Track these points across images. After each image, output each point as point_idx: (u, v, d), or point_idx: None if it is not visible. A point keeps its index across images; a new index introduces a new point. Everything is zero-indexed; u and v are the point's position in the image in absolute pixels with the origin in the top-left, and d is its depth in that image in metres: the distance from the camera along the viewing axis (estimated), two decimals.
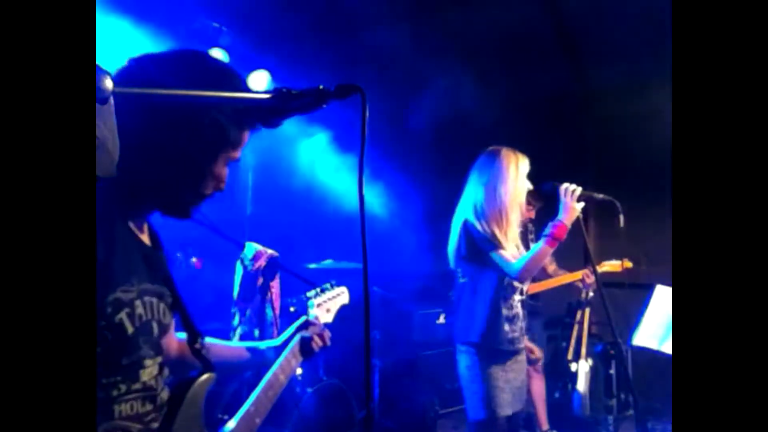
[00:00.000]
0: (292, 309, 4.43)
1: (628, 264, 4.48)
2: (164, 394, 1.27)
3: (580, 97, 5.99)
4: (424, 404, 4.64)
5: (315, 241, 5.18)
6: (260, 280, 3.33)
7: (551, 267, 4.44)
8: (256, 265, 3.30)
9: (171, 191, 1.21)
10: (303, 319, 1.89)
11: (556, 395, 4.77)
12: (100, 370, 1.10)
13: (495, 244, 2.56)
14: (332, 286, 2.16)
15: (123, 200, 1.20)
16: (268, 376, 1.69)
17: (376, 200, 5.50)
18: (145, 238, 1.28)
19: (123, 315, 1.13)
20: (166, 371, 1.29)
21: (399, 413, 4.52)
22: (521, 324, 2.69)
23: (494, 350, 2.59)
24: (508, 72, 5.59)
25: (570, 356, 4.76)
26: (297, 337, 1.81)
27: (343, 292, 2.19)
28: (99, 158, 0.79)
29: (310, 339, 1.80)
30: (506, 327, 2.61)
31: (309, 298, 2.09)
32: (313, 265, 4.47)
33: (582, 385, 4.52)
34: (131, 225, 1.23)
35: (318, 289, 2.12)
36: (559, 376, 4.77)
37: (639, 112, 5.66)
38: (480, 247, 2.59)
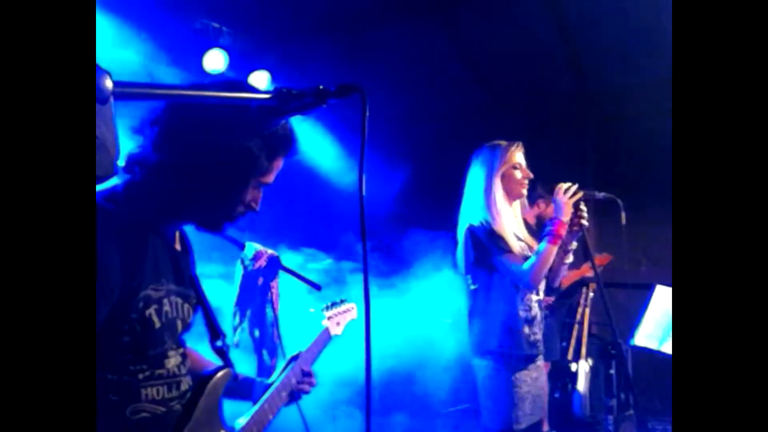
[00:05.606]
0: None
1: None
2: (187, 382, 1.39)
3: (580, 97, 5.98)
4: (425, 404, 4.63)
5: (315, 241, 5.17)
6: (260, 280, 3.33)
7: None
8: (256, 265, 3.29)
9: (205, 211, 1.32)
10: (290, 355, 1.97)
11: (556, 395, 4.76)
12: (129, 358, 1.23)
13: (501, 247, 2.45)
14: (342, 302, 2.29)
15: (163, 212, 1.31)
16: (281, 378, 1.79)
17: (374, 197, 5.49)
18: (176, 244, 1.41)
19: (152, 310, 1.24)
20: (188, 361, 1.42)
21: (399, 413, 4.52)
22: (540, 325, 2.55)
23: (516, 356, 2.44)
24: (507, 73, 5.59)
25: (570, 356, 4.76)
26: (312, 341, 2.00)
27: (353, 308, 2.33)
28: (99, 158, 0.79)
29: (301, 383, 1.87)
30: (526, 329, 2.47)
31: (322, 310, 2.22)
32: (312, 265, 4.46)
33: (582, 385, 4.52)
34: (166, 232, 1.36)
35: (329, 303, 2.26)
36: (559, 376, 4.75)
37: (639, 112, 5.65)
38: (487, 249, 2.48)
